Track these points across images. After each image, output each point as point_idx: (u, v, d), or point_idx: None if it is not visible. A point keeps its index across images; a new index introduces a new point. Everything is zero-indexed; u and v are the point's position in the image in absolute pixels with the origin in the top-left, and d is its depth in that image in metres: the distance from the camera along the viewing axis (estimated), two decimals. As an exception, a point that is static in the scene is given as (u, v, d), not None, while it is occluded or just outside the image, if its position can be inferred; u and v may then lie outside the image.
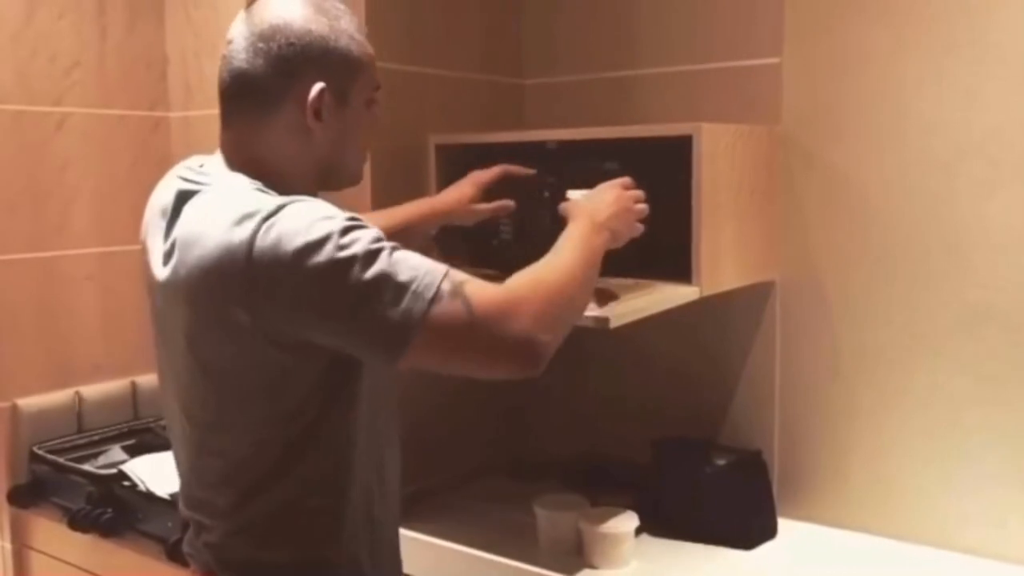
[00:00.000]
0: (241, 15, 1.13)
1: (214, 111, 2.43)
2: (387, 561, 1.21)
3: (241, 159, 1.12)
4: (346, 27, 1.12)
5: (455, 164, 1.71)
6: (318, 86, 1.08)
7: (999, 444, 1.46)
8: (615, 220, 1.24)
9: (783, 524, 1.59)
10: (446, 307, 0.97)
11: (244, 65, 1.09)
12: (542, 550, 1.51)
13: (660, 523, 1.56)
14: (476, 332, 0.98)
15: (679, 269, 1.44)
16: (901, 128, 1.51)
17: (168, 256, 1.07)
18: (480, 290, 1.00)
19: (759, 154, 1.57)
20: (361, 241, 0.97)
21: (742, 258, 1.54)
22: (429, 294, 0.96)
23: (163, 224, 1.11)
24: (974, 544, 1.48)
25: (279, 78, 1.08)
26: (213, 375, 1.07)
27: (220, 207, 1.03)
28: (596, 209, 1.24)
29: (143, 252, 1.18)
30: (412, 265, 0.98)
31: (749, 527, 1.55)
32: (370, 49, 1.15)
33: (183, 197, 1.09)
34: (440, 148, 1.69)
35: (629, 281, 1.46)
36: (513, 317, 0.99)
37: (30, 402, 2.14)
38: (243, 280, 0.97)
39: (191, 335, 1.06)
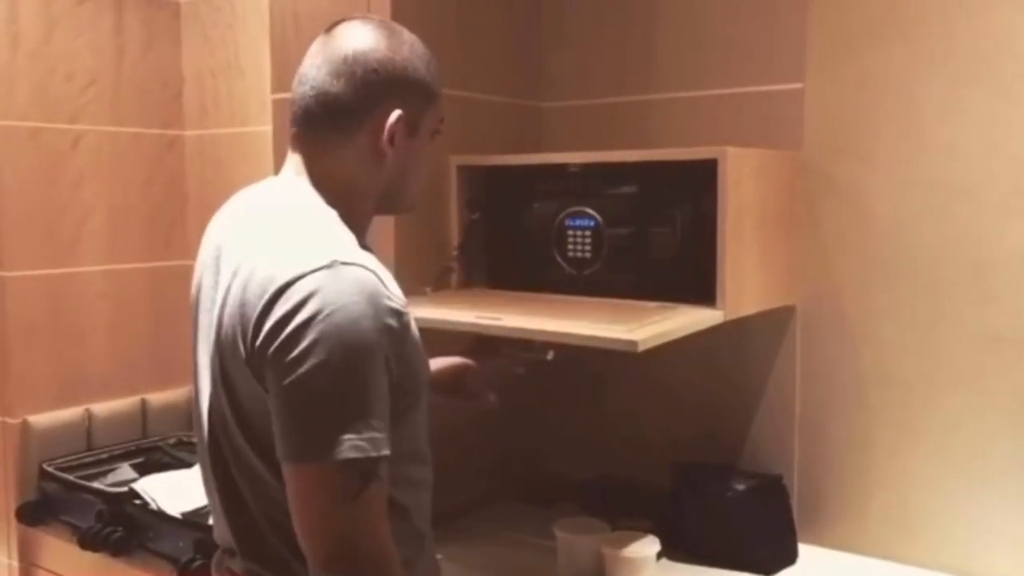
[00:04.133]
0: (320, 40, 1.15)
1: (229, 130, 2.46)
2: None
3: (319, 178, 1.13)
4: (421, 58, 1.15)
5: (476, 185, 1.71)
6: (396, 112, 1.11)
7: (1022, 472, 1.46)
8: None
9: (803, 550, 1.58)
10: (364, 483, 0.96)
11: (327, 87, 1.10)
12: (562, 574, 1.50)
13: (680, 547, 1.55)
14: (332, 522, 0.97)
15: (699, 292, 1.44)
16: (924, 154, 1.51)
17: (233, 281, 1.06)
18: (375, 518, 0.98)
19: (781, 179, 1.57)
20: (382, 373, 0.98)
21: (765, 282, 1.54)
22: (360, 456, 0.95)
23: (228, 248, 1.11)
24: (995, 572, 1.47)
25: (362, 102, 1.10)
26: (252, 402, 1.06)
27: (280, 239, 1.04)
28: None
29: (199, 270, 1.18)
30: (383, 425, 0.97)
31: (770, 553, 1.54)
32: (441, 82, 1.18)
33: (251, 220, 1.11)
34: (461, 169, 1.70)
35: (652, 304, 1.46)
36: (353, 547, 0.97)
37: (40, 419, 2.14)
38: (258, 322, 0.98)
39: (232, 362, 1.05)
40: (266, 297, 0.98)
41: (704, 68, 1.73)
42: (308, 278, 0.97)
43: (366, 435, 0.96)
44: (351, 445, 0.95)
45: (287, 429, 0.97)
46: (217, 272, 1.11)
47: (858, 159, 1.57)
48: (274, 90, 1.71)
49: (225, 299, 1.05)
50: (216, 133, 2.39)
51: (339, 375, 0.96)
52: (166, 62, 2.43)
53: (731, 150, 1.40)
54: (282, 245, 1.03)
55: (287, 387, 0.96)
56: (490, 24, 1.84)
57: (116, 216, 2.32)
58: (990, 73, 1.45)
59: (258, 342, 0.98)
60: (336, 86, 1.10)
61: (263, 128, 2.12)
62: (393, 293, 1.02)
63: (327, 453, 0.95)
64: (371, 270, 1.01)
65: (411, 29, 1.19)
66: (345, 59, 1.10)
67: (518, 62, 1.91)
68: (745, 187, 1.45)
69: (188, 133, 2.45)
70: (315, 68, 1.12)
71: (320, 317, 0.95)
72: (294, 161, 1.15)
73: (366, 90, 1.10)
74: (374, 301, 0.98)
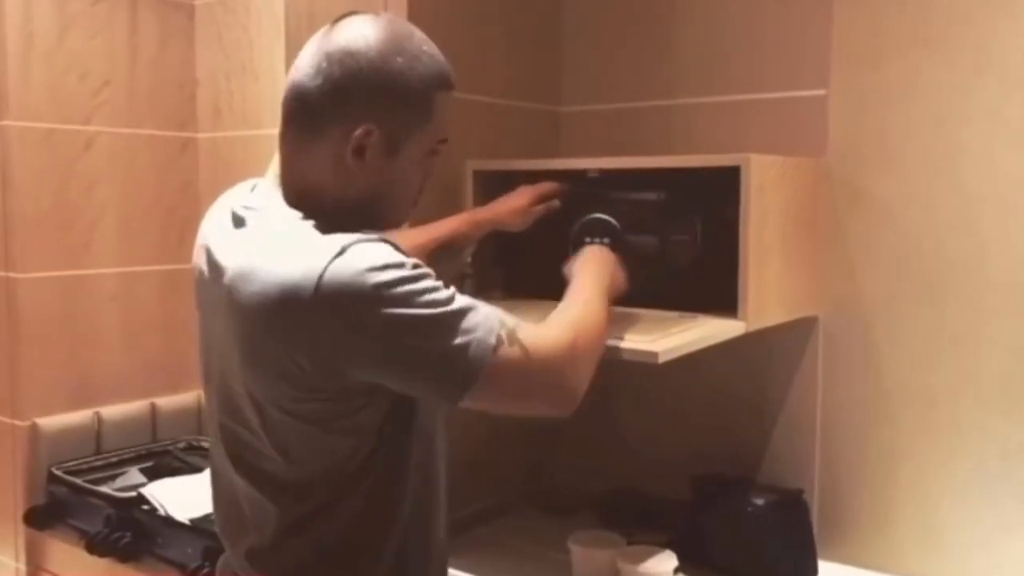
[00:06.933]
0: (324, 29, 1.07)
1: (243, 133, 2.44)
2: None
3: (291, 181, 1.08)
4: (423, 72, 1.05)
5: (492, 190, 1.69)
6: (364, 127, 1.02)
7: (1050, 490, 1.42)
8: (618, 281, 1.29)
9: (824, 567, 1.55)
10: (505, 353, 0.99)
11: (304, 80, 1.04)
12: (576, 588, 1.48)
13: (698, 562, 1.51)
14: (530, 377, 1.01)
15: (720, 302, 1.41)
16: (952, 164, 1.48)
17: (223, 286, 1.03)
18: (533, 337, 1.02)
19: (805, 186, 1.54)
20: (429, 288, 0.97)
21: (787, 293, 1.51)
22: (492, 340, 0.98)
23: (217, 251, 1.07)
24: (1022, 592, 1.44)
25: (332, 104, 1.03)
26: (264, 412, 1.04)
27: (277, 242, 1.00)
28: (604, 269, 1.28)
29: (197, 275, 1.16)
30: (474, 312, 0.99)
31: (790, 569, 1.50)
32: (445, 99, 1.08)
33: (235, 223, 1.07)
34: (477, 174, 1.67)
35: (672, 314, 1.43)
36: (562, 365, 1.04)
37: (50, 421, 2.12)
38: (307, 316, 0.94)
39: (244, 369, 1.03)
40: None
41: (725, 73, 1.71)
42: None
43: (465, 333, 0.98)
44: (477, 351, 0.97)
45: (442, 373, 0.98)
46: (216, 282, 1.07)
47: (885, 167, 1.54)
48: (289, 93, 1.69)
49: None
50: (230, 136, 2.38)
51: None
52: (180, 64, 2.41)
53: (754, 157, 1.37)
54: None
55: (419, 351, 0.97)
56: (508, 27, 1.82)
57: (129, 218, 2.30)
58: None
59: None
60: (312, 81, 1.03)
61: (277, 131, 2.09)
62: None
63: (479, 365, 0.97)
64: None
65: (427, 31, 1.10)
66: (330, 55, 1.02)
67: (536, 66, 1.89)
68: (768, 195, 1.42)
69: (202, 135, 2.43)
70: (303, 56, 1.05)
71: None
72: (274, 163, 1.10)
73: (339, 92, 1.02)
74: None
